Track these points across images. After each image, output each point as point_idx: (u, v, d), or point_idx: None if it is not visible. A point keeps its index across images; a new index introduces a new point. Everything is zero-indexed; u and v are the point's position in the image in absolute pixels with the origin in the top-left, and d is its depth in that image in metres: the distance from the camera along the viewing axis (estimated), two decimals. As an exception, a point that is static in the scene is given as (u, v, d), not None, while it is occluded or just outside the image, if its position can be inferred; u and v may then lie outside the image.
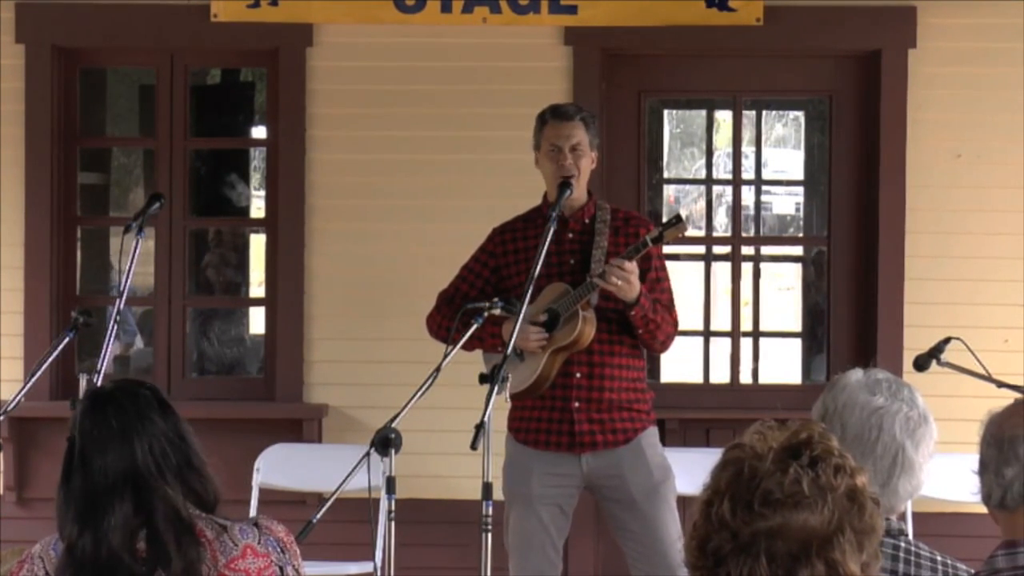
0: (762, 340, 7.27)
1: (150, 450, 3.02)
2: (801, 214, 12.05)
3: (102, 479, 2.99)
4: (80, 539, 2.97)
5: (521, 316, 4.83)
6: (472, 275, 5.41)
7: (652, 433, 5.30)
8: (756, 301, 7.17)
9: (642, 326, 5.13)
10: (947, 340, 5.26)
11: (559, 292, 5.17)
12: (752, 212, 7.52)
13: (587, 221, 5.29)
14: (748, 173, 7.35)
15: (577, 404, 5.20)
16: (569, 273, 5.22)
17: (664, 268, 5.30)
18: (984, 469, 2.78)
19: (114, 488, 2.99)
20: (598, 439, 5.20)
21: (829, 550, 1.99)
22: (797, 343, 8.56)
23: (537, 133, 5.33)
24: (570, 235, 5.27)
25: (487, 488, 4.65)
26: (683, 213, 5.17)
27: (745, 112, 7.22)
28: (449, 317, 5.27)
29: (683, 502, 5.60)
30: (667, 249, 5.42)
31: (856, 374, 3.07)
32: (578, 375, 5.20)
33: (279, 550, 3.10)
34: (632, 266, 5.01)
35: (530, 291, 4.91)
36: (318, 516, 4.52)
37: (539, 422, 5.23)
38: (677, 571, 5.06)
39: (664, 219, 5.95)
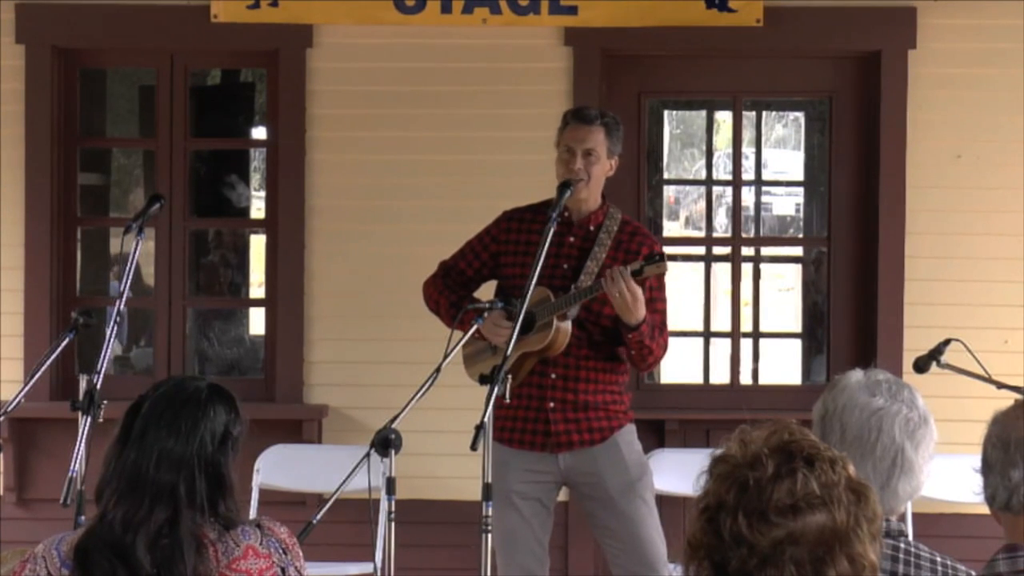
0: (762, 341, 7.26)
1: (188, 475, 3.06)
2: (801, 215, 12.03)
3: (148, 472, 3.05)
4: (113, 511, 3.03)
5: (520, 317, 4.81)
6: (472, 254, 5.38)
7: (629, 431, 5.26)
8: (756, 302, 7.17)
9: (636, 349, 5.09)
10: (947, 341, 5.26)
11: (540, 297, 5.12)
12: (752, 213, 7.51)
13: (592, 228, 5.24)
14: (748, 174, 7.35)
15: (552, 404, 5.18)
16: (560, 277, 5.18)
17: (661, 288, 5.21)
18: (989, 470, 2.77)
19: (156, 492, 3.03)
20: (574, 438, 5.18)
21: (849, 545, 2.03)
22: (797, 344, 8.57)
23: (558, 133, 5.27)
24: (571, 239, 5.22)
25: (487, 489, 4.63)
26: (666, 251, 5.08)
27: (745, 113, 7.22)
28: (443, 293, 5.30)
29: (682, 503, 5.60)
30: (667, 249, 5.41)
31: (856, 375, 3.07)
32: (553, 376, 5.18)
33: (281, 551, 3.12)
34: (638, 291, 4.94)
35: (530, 291, 4.87)
36: (318, 517, 4.52)
37: (515, 421, 5.21)
38: (656, 566, 5.06)
39: (664, 218, 5.93)
